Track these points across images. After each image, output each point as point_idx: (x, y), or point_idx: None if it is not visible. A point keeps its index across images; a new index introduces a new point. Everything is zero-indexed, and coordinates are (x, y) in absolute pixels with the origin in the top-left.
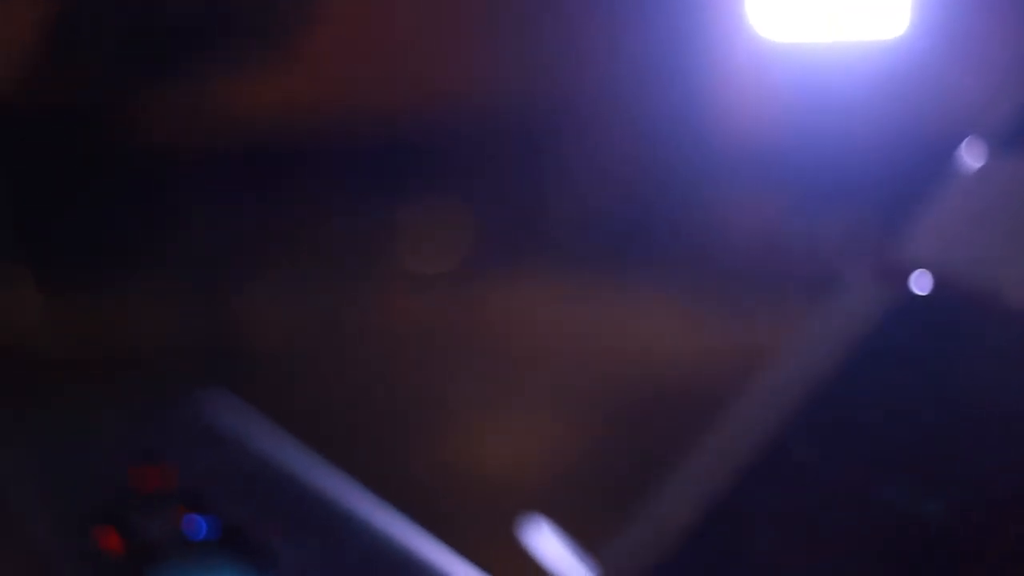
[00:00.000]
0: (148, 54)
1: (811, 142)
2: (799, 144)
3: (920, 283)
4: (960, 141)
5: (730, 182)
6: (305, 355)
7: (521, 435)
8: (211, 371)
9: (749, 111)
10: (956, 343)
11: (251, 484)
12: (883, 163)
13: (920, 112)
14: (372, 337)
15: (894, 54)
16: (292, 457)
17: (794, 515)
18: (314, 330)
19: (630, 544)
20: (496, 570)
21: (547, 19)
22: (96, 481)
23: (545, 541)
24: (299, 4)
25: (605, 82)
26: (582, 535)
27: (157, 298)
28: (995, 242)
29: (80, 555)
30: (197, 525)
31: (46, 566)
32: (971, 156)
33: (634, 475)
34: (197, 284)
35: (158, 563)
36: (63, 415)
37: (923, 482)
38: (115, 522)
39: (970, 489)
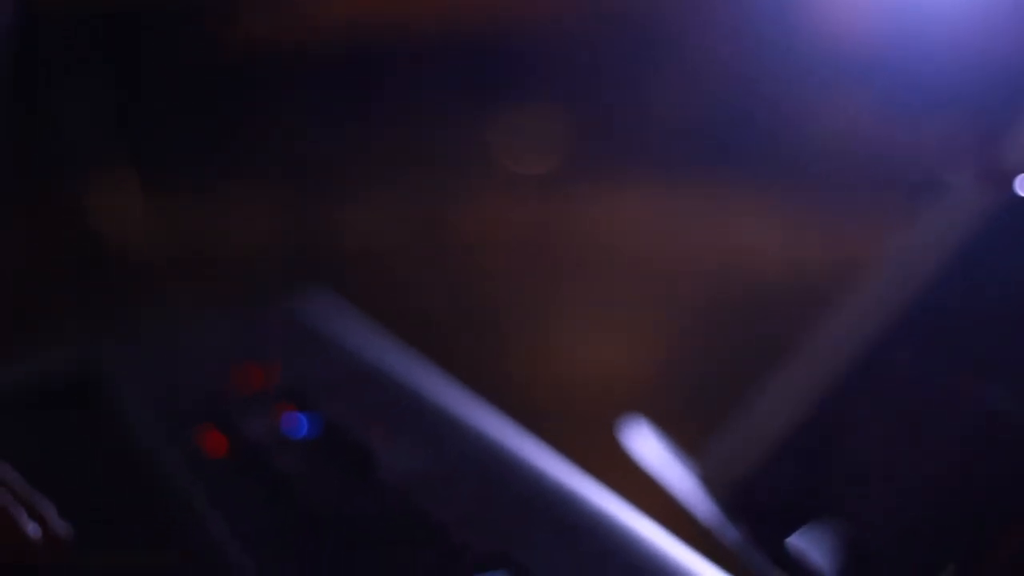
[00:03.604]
0: None
1: (914, 46)
2: (901, 48)
3: None
4: None
5: (830, 87)
6: (405, 257)
7: (620, 338)
8: (313, 273)
9: (850, 15)
10: None
11: (352, 384)
12: (987, 66)
13: None
14: (471, 239)
15: None
16: (393, 357)
17: (893, 419)
18: (414, 232)
19: (729, 446)
20: (595, 470)
21: None
22: (199, 381)
23: (644, 442)
24: None
25: None
26: (681, 437)
27: (261, 202)
28: None
29: (183, 453)
30: (298, 424)
31: (154, 465)
32: None
33: (733, 378)
34: (300, 188)
35: (260, 461)
36: (167, 316)
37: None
38: (217, 421)
39: None
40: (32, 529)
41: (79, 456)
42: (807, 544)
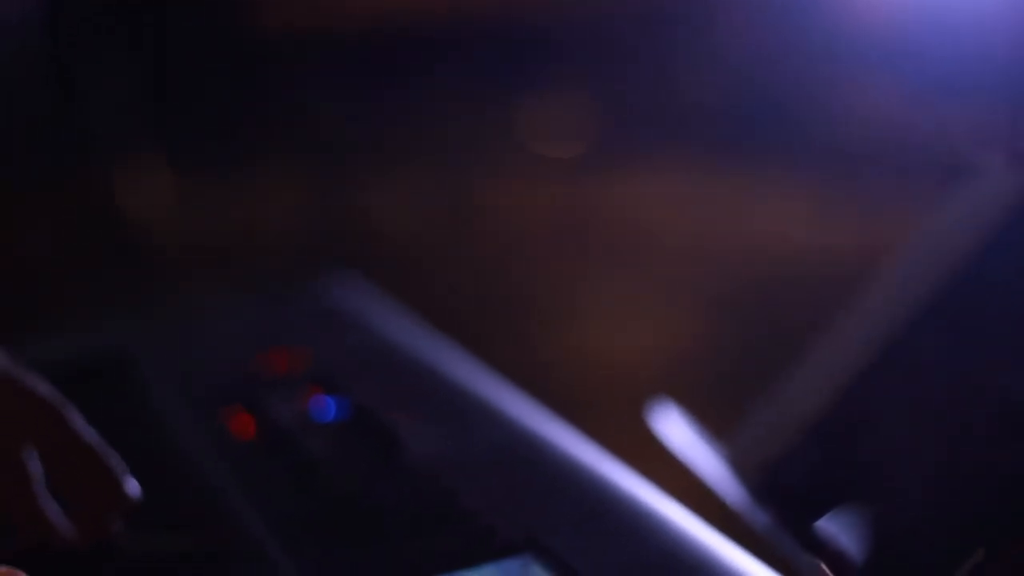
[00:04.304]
0: None
1: (942, 29)
2: (930, 31)
3: None
4: None
5: (859, 70)
6: (433, 240)
7: (648, 321)
8: (341, 256)
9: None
10: None
11: (380, 367)
12: (1017, 50)
13: None
14: (499, 223)
15: None
16: (421, 341)
17: (920, 403)
18: (442, 216)
19: (757, 430)
20: (624, 454)
21: None
22: (227, 364)
23: (672, 426)
24: None
25: None
26: (709, 420)
27: (290, 185)
28: None
29: (211, 436)
30: (326, 408)
31: (180, 447)
32: None
33: (761, 362)
34: (329, 171)
35: (288, 444)
36: (195, 299)
37: None
38: (245, 404)
39: None
40: (59, 516)
41: (107, 439)
42: (835, 528)
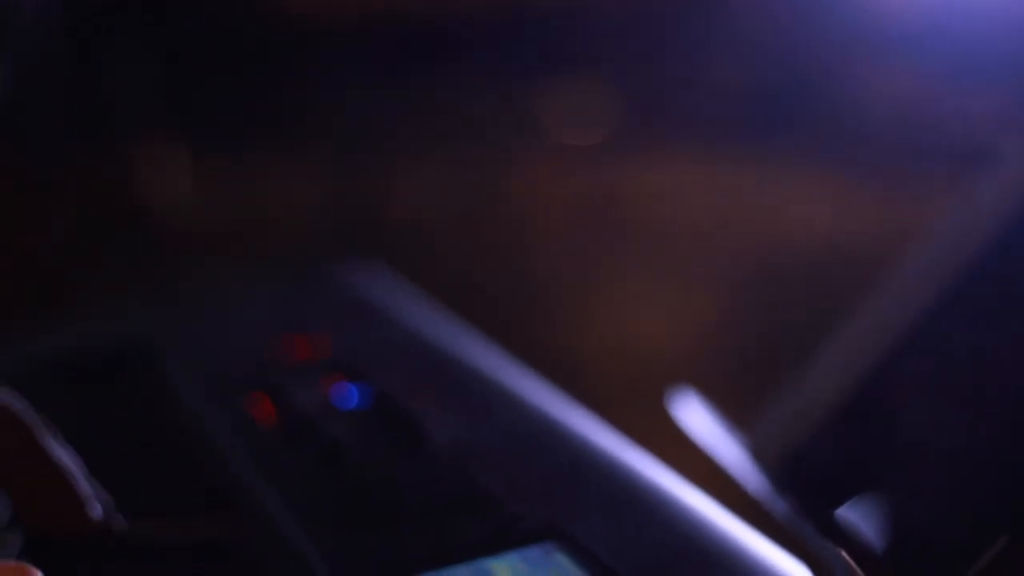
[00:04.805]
0: None
1: (966, 14)
2: (954, 17)
3: None
4: None
5: (882, 55)
6: (454, 227)
7: (669, 308)
8: (363, 243)
9: None
10: None
11: (402, 354)
12: None
13: None
14: (520, 209)
15: None
16: (443, 328)
17: (944, 391)
18: (463, 202)
19: (778, 417)
20: (646, 441)
21: None
22: (248, 351)
23: (693, 413)
24: None
25: None
26: (731, 408)
27: (311, 171)
28: None
29: (232, 423)
30: (348, 395)
31: (202, 434)
32: None
33: (783, 349)
34: (350, 158)
35: (309, 432)
36: (217, 285)
37: None
38: (267, 391)
39: None
40: (87, 502)
41: (128, 425)
42: (857, 516)
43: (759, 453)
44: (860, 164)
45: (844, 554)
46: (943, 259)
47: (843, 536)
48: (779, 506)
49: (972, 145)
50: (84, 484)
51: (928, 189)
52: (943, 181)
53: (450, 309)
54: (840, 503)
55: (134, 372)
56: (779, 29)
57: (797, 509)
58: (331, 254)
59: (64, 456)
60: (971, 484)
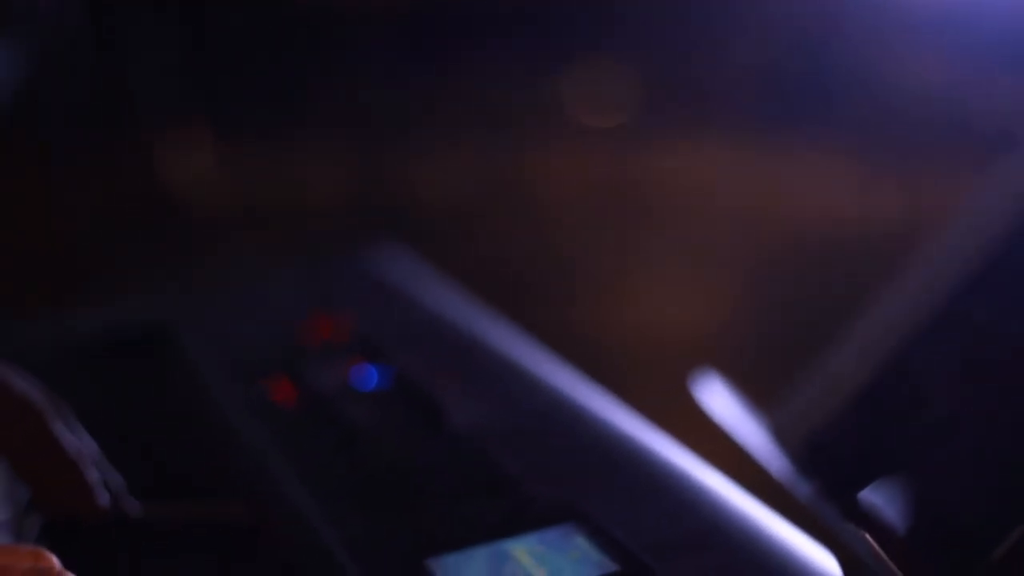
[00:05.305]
0: None
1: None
2: (981, 1)
3: None
4: None
5: (908, 40)
6: (477, 210)
7: (693, 291)
8: (385, 226)
9: None
10: None
11: (423, 337)
12: None
13: None
14: (543, 193)
15: None
16: (464, 310)
17: (967, 374)
18: (486, 185)
19: (802, 400)
20: (667, 424)
21: None
22: (270, 332)
23: (717, 396)
24: None
25: None
26: (754, 390)
27: (334, 154)
28: None
29: (254, 405)
30: (369, 376)
31: (223, 415)
32: None
33: (807, 332)
34: (373, 141)
35: (330, 413)
36: (240, 268)
37: None
38: (288, 372)
39: None
40: (95, 489)
41: (150, 406)
42: (879, 499)
43: (782, 436)
44: (885, 147)
45: (867, 536)
46: (967, 242)
47: (866, 519)
48: (802, 489)
49: (997, 129)
50: (93, 472)
51: (953, 173)
52: (968, 165)
53: (472, 292)
54: (862, 486)
55: (157, 353)
56: (804, 13)
57: (820, 492)
58: (354, 237)
59: (75, 443)
60: (993, 468)
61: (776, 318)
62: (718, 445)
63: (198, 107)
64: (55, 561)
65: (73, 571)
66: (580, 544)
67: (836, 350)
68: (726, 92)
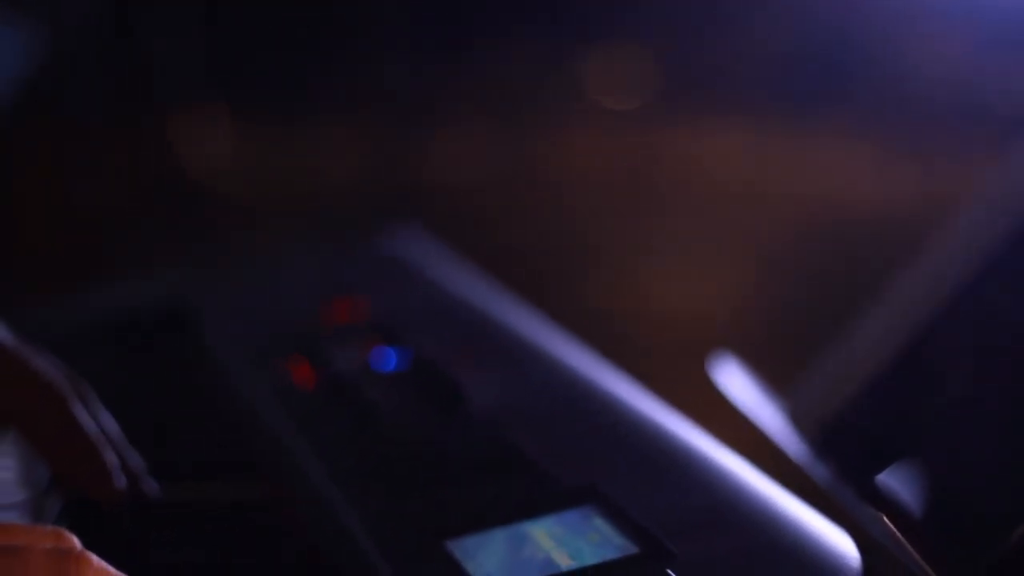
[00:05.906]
0: None
1: None
2: None
3: None
4: None
5: (925, 21)
6: (495, 191)
7: (711, 273)
8: (403, 207)
9: None
10: None
11: (441, 318)
12: None
13: None
14: (561, 173)
15: None
16: (482, 291)
17: (983, 357)
18: (504, 166)
19: (819, 382)
20: (685, 406)
21: None
22: (289, 314)
23: (734, 378)
24: None
25: None
26: (771, 373)
27: (351, 136)
28: None
29: (272, 386)
30: (387, 358)
31: (242, 397)
32: None
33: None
34: (391, 122)
35: (349, 394)
36: (257, 250)
37: None
38: (307, 354)
39: None
40: (113, 471)
41: (169, 388)
42: (896, 482)
43: (799, 418)
44: (904, 130)
45: (884, 519)
46: (984, 227)
47: (883, 501)
48: (819, 471)
49: (1017, 113)
50: (111, 454)
51: (972, 157)
52: (988, 149)
53: (490, 273)
54: (879, 468)
55: (176, 334)
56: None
57: (837, 474)
58: (373, 219)
59: (94, 425)
60: (1010, 452)
61: (794, 300)
62: (736, 427)
63: (219, 90)
64: (75, 541)
65: (93, 551)
66: (599, 526)
67: (853, 333)
68: (746, 75)
